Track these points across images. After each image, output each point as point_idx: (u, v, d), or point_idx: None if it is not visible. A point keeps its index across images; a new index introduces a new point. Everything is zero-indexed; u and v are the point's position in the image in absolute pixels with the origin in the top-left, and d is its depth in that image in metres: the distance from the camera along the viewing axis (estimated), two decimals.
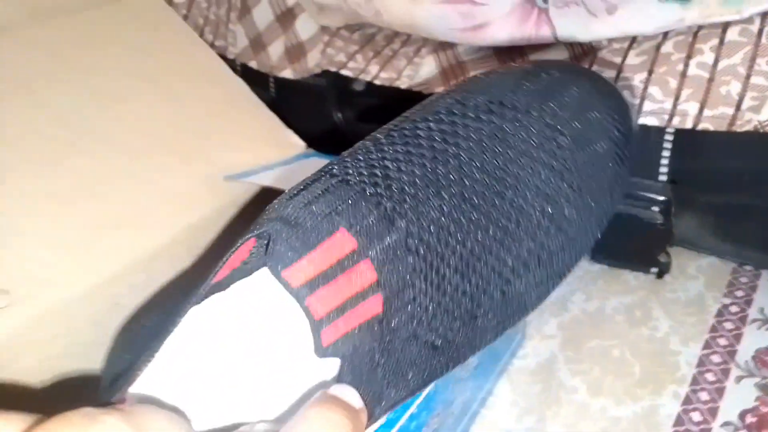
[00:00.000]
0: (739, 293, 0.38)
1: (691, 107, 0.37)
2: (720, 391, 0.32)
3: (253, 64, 0.55)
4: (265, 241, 0.20)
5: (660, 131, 0.38)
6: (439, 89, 0.44)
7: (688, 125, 0.37)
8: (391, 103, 0.48)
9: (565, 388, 0.33)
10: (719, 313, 0.37)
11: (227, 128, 0.39)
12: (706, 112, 0.36)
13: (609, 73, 0.39)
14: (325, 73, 0.50)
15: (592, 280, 0.41)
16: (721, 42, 0.35)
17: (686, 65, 0.36)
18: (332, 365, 0.19)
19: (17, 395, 0.26)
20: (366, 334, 0.19)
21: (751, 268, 0.40)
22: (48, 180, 0.31)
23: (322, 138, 0.45)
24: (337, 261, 0.19)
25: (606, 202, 0.24)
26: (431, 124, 0.22)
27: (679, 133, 0.37)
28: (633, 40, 0.39)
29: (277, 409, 0.20)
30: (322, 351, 0.19)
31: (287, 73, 0.53)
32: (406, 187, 0.20)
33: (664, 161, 0.37)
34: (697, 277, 0.40)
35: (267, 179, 0.36)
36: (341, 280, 0.19)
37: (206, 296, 0.20)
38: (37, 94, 0.34)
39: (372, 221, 0.19)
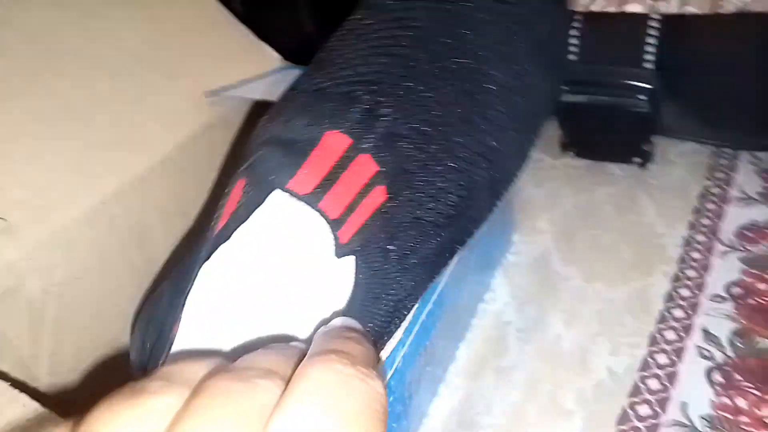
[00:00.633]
0: (719, 175, 0.39)
1: None
2: (705, 267, 0.33)
3: None
4: (258, 171, 0.20)
5: (645, 18, 0.37)
6: None
7: (673, 10, 0.37)
8: None
9: (560, 277, 0.34)
10: (701, 195, 0.38)
11: (204, 44, 0.38)
12: None
13: None
14: None
15: (578, 175, 0.41)
16: None
17: None
18: (349, 265, 0.20)
19: (27, 326, 0.26)
20: (374, 225, 0.20)
21: (729, 150, 0.41)
22: (29, 102, 0.30)
23: (295, 51, 0.43)
24: (336, 161, 0.19)
25: (555, 46, 0.26)
26: (380, 15, 0.23)
27: (665, 18, 0.37)
28: None
29: (307, 325, 0.20)
30: (341, 250, 0.19)
31: None
32: (379, 77, 0.21)
33: (650, 48, 0.37)
34: (678, 162, 0.41)
35: (247, 92, 0.35)
36: (345, 177, 0.19)
37: (213, 250, 0.20)
38: (3, 15, 0.32)
39: (357, 117, 0.20)
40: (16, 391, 0.20)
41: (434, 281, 0.23)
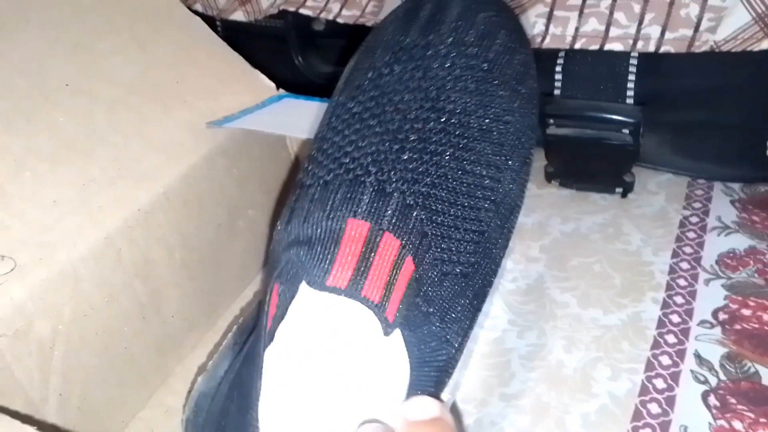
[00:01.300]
0: (697, 204, 0.41)
1: (653, 31, 0.39)
2: (692, 294, 0.35)
3: (197, 7, 0.52)
4: (290, 273, 0.20)
5: (625, 56, 0.39)
6: None
7: (651, 48, 0.39)
8: (356, 43, 0.47)
9: (557, 303, 0.35)
10: (681, 224, 0.40)
11: (198, 73, 0.38)
12: (668, 35, 0.38)
13: (575, 1, 0.40)
14: (282, 14, 0.48)
15: (565, 204, 0.43)
16: None
17: None
18: (397, 339, 0.20)
19: (36, 366, 0.25)
20: (410, 294, 0.21)
21: (703, 180, 0.43)
22: (28, 138, 0.29)
23: (283, 84, 0.44)
24: (362, 247, 0.20)
25: (527, 83, 0.27)
26: (359, 96, 0.24)
27: (642, 56, 0.39)
28: None
29: (375, 407, 0.20)
30: (389, 328, 0.20)
31: (238, 16, 0.51)
32: (375, 157, 0.22)
33: (630, 84, 0.39)
34: (657, 192, 0.43)
35: (248, 123, 0.35)
36: (376, 260, 0.20)
37: (264, 349, 0.20)
38: None
39: (368, 199, 0.21)
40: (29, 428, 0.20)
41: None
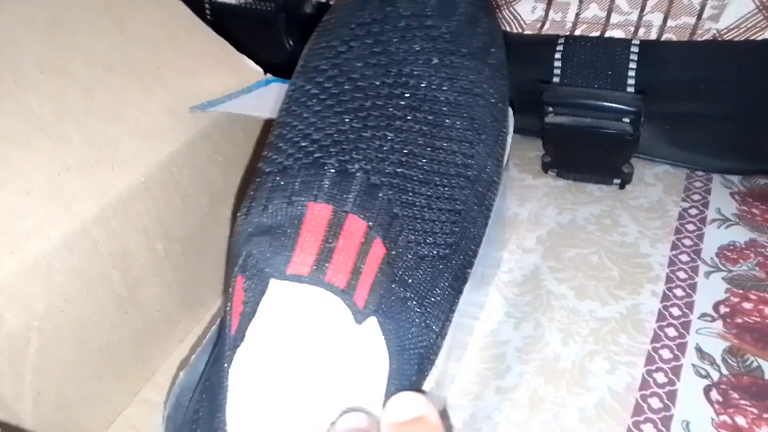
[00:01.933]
0: (696, 197, 0.41)
1: (655, 18, 0.38)
2: (692, 287, 0.34)
3: None
4: (252, 265, 0.19)
5: (626, 43, 0.38)
6: None
7: (653, 36, 0.38)
8: None
9: (554, 295, 0.34)
10: (680, 216, 0.39)
11: (181, 55, 0.36)
12: (670, 23, 0.37)
13: None
14: None
15: (561, 195, 0.42)
16: None
17: None
18: (373, 327, 0.19)
19: (8, 362, 0.23)
20: (383, 279, 0.19)
21: (702, 172, 0.43)
22: None
23: (274, 68, 0.42)
24: (326, 230, 0.19)
25: (494, 52, 0.26)
26: (316, 78, 0.23)
27: (644, 44, 0.38)
28: None
29: (349, 398, 0.19)
30: (360, 315, 0.19)
31: None
32: (336, 138, 0.21)
33: (631, 73, 0.38)
34: (655, 184, 0.42)
35: (232, 107, 0.34)
36: (341, 243, 0.19)
37: (233, 356, 0.19)
38: None
39: (329, 182, 0.20)
40: None
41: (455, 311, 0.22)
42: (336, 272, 0.19)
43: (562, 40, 0.40)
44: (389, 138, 0.22)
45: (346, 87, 0.22)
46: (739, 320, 0.32)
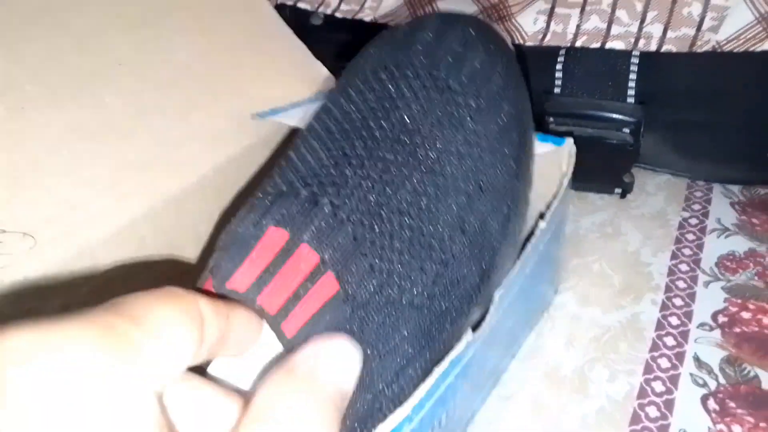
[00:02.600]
0: (696, 206, 0.41)
1: (655, 29, 0.38)
2: (692, 296, 0.35)
3: None
4: (215, 269, 0.20)
5: (626, 55, 0.39)
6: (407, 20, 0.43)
7: (653, 47, 0.38)
8: (355, 38, 0.47)
9: (556, 302, 0.35)
10: (681, 226, 0.40)
11: (258, 60, 0.36)
12: (670, 34, 0.38)
13: None
14: (279, 8, 0.47)
15: None
16: None
17: None
18: None
19: None
20: (333, 315, 0.19)
21: (703, 182, 0.43)
22: (71, 113, 0.28)
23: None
24: (275, 255, 0.19)
25: (512, 93, 0.25)
26: (324, 116, 0.23)
27: (644, 55, 0.39)
28: None
29: None
30: (288, 344, 0.19)
31: None
32: (317, 169, 0.21)
33: (631, 84, 0.39)
34: (656, 193, 0.43)
35: (294, 119, 0.34)
36: (285, 270, 0.19)
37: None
38: (58, 17, 0.30)
39: (295, 210, 0.20)
40: None
41: (438, 353, 0.22)
42: (270, 297, 0.19)
43: (563, 52, 0.40)
44: (371, 177, 0.21)
45: (336, 125, 0.23)
46: (738, 330, 0.32)
